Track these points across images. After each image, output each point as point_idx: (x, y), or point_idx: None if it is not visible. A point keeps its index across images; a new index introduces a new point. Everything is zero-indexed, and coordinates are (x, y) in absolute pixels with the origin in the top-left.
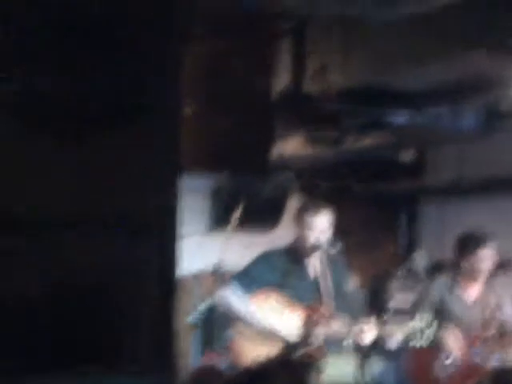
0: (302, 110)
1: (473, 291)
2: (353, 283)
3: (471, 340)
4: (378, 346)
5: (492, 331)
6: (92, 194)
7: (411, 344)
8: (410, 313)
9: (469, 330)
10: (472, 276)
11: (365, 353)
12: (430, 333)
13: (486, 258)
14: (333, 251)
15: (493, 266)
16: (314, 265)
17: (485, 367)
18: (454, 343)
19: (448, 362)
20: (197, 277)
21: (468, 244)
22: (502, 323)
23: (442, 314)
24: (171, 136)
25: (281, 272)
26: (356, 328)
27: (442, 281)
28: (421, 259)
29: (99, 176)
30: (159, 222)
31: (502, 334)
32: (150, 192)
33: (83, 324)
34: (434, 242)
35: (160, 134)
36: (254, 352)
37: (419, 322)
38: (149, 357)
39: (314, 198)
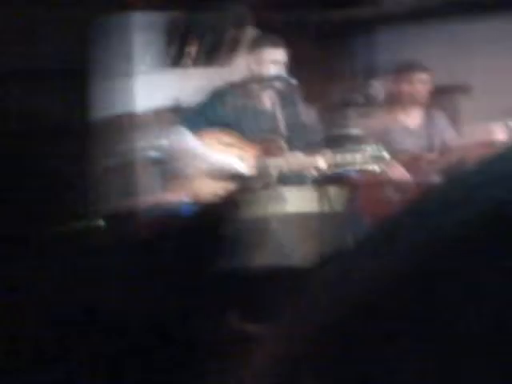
0: None
1: (414, 118)
2: (310, 114)
3: (417, 164)
4: (337, 175)
5: (434, 155)
6: (28, 38)
7: (366, 169)
8: (366, 139)
9: (411, 155)
10: (411, 101)
11: (324, 182)
12: (380, 157)
13: (421, 81)
14: (288, 85)
15: (429, 92)
16: (270, 97)
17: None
18: (400, 171)
19: (395, 187)
20: (155, 113)
21: (403, 69)
22: (443, 147)
23: (386, 141)
24: None
25: (235, 109)
26: (313, 158)
27: (385, 109)
28: (378, 87)
29: (34, 18)
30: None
31: (442, 152)
32: (84, 31)
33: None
34: (391, 70)
35: None
36: (211, 188)
37: (370, 148)
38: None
39: (269, 32)
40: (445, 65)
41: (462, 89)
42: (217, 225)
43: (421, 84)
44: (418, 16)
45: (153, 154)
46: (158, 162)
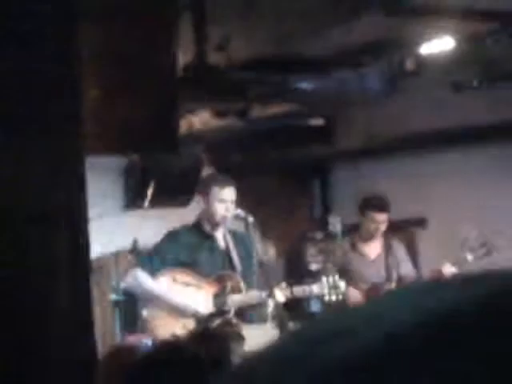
0: (207, 83)
1: (373, 249)
2: (269, 252)
3: (374, 294)
4: (298, 309)
5: (392, 285)
6: None
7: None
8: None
9: (371, 285)
10: (370, 235)
11: (284, 318)
12: (338, 291)
13: (383, 220)
14: (244, 224)
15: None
16: (223, 237)
17: None
18: (357, 299)
19: None
20: (115, 256)
21: (368, 207)
22: (401, 278)
23: (346, 272)
24: (73, 119)
25: (190, 248)
26: (271, 293)
27: (345, 241)
28: (336, 223)
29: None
30: (66, 208)
31: (400, 282)
32: (55, 179)
33: None
34: (348, 205)
35: (62, 118)
36: (170, 328)
37: (326, 282)
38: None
39: (225, 172)
40: (401, 198)
41: (419, 222)
42: (181, 366)
43: (380, 219)
44: (369, 151)
45: (113, 296)
46: (118, 305)
